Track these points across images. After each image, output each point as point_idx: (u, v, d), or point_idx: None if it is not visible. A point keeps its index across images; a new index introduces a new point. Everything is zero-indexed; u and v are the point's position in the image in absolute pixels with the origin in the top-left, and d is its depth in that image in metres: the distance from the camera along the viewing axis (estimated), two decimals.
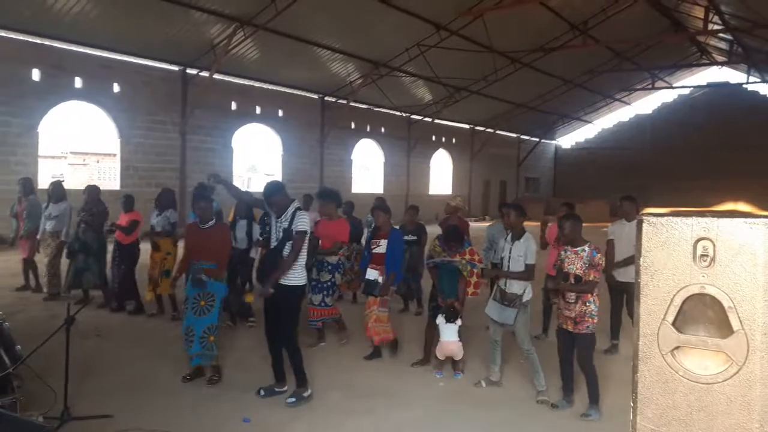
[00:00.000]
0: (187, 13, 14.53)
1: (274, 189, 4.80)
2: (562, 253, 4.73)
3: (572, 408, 4.76)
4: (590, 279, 4.52)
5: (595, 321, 4.60)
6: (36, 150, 14.51)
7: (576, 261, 4.58)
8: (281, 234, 4.71)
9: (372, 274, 5.81)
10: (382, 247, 5.90)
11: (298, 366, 4.74)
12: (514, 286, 5.03)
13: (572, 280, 4.56)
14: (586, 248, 4.60)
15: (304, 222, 4.71)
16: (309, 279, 5.96)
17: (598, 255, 4.59)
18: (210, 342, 5.01)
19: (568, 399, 4.82)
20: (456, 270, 5.55)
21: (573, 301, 4.55)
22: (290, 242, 4.66)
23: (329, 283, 6.30)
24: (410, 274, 7.70)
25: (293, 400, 4.64)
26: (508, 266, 5.09)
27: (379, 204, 6.84)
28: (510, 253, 5.08)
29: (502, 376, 5.34)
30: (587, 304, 4.54)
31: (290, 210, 4.74)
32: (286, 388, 4.88)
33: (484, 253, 6.88)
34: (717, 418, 1.96)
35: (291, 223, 4.68)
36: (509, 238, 5.20)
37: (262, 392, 4.86)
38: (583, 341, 4.59)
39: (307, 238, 4.79)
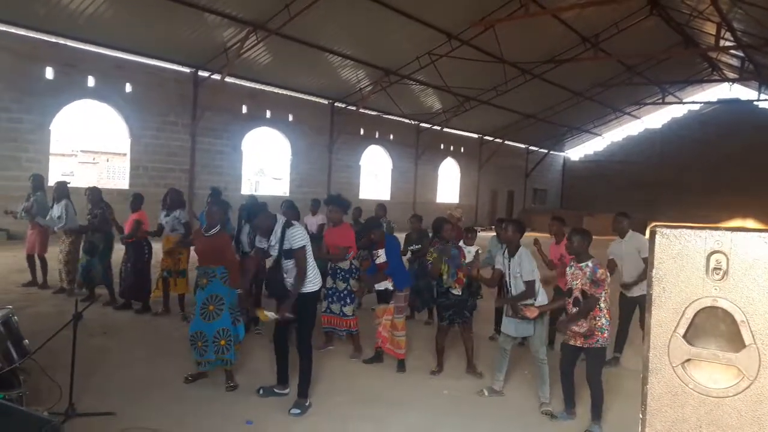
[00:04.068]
0: (200, 16, 14.63)
1: (254, 213, 4.62)
2: (568, 269, 4.69)
3: (574, 420, 4.73)
4: (590, 295, 4.46)
5: (606, 336, 4.55)
6: (47, 147, 14.61)
7: (580, 276, 4.54)
8: (276, 253, 4.66)
9: (381, 284, 5.81)
10: (382, 257, 5.88)
11: (308, 374, 4.71)
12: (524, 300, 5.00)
13: (578, 295, 4.53)
14: (590, 264, 4.55)
15: (297, 238, 4.59)
16: (325, 287, 6.01)
17: (600, 270, 4.50)
18: (221, 346, 4.92)
19: (569, 411, 4.78)
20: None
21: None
22: (287, 260, 4.60)
23: (346, 292, 6.21)
24: (421, 282, 7.64)
25: (298, 411, 4.57)
26: (509, 282, 5.07)
27: (375, 222, 6.49)
28: (509, 269, 5.06)
29: (505, 386, 5.32)
30: (597, 318, 4.49)
31: (278, 229, 4.62)
32: (287, 390, 4.87)
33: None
34: None
35: (282, 242, 4.59)
36: (506, 253, 5.14)
37: (261, 391, 4.88)
38: (594, 355, 4.55)
39: (308, 247, 4.68)
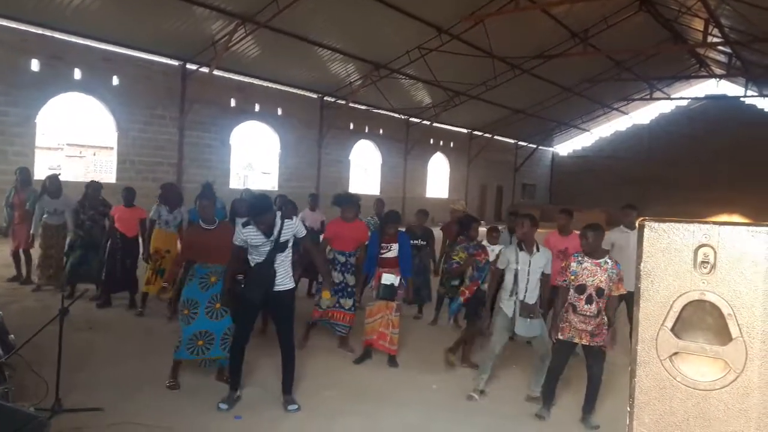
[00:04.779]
0: (189, 9, 14.49)
1: (264, 207, 4.47)
2: (575, 264, 4.55)
3: (562, 412, 4.76)
4: (615, 294, 4.50)
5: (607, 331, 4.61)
6: (33, 141, 14.44)
7: (599, 273, 4.46)
8: (270, 246, 4.50)
9: (389, 278, 5.68)
10: (393, 251, 5.80)
11: (293, 370, 4.69)
12: (533, 298, 4.96)
13: (593, 293, 4.45)
14: (609, 261, 4.52)
15: (300, 227, 4.70)
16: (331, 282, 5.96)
17: (622, 267, 4.56)
18: (228, 343, 4.89)
19: (548, 408, 4.77)
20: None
21: (594, 314, 4.44)
22: (281, 253, 4.55)
23: (353, 288, 6.15)
24: (420, 278, 7.64)
25: (296, 406, 4.56)
26: (528, 279, 4.93)
27: (395, 216, 6.37)
28: (529, 265, 4.94)
29: (495, 381, 5.33)
30: (604, 315, 4.53)
31: (278, 222, 4.55)
32: (239, 393, 4.70)
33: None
34: (714, 425, 1.96)
35: (280, 234, 4.53)
36: (521, 248, 5.03)
37: (225, 406, 4.51)
38: (598, 352, 4.55)
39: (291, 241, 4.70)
